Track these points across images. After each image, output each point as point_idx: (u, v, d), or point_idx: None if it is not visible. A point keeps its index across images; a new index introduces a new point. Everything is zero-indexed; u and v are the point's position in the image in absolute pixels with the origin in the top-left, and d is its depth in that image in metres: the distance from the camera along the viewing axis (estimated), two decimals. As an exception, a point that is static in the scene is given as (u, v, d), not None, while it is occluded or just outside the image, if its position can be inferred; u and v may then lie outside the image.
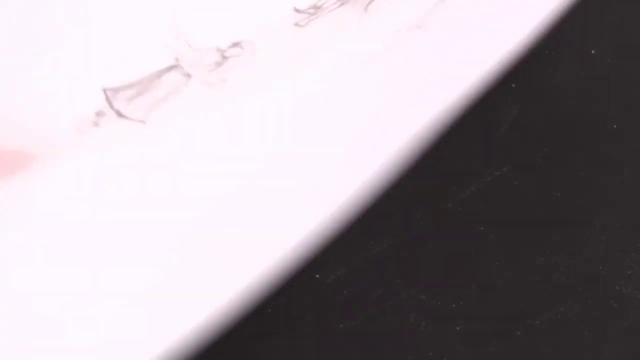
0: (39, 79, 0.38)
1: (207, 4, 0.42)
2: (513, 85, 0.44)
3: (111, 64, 0.39)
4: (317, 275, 0.38)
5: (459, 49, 0.36)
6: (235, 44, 0.40)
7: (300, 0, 0.41)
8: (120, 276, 0.30)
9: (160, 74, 0.38)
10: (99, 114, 0.37)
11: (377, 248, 0.39)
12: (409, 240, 0.39)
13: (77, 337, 0.28)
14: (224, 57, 0.39)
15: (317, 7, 0.41)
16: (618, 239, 0.39)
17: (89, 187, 0.34)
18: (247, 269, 0.28)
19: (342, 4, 0.41)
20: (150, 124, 0.37)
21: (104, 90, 0.38)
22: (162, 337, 0.27)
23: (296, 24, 0.41)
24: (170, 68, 0.39)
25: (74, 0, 0.41)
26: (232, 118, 0.37)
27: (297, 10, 0.41)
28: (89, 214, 0.32)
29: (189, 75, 0.39)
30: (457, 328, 0.37)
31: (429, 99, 0.33)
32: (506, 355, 0.36)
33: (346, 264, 0.39)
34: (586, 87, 0.45)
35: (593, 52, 0.46)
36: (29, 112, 0.37)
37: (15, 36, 0.39)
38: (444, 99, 0.32)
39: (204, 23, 0.41)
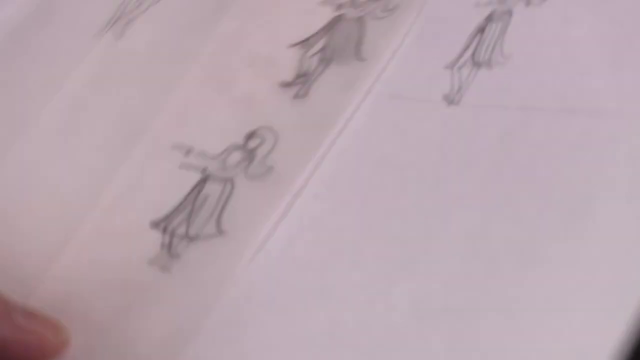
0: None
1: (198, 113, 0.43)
2: None
3: (152, 200, 0.40)
4: None
5: None
6: (251, 134, 0.41)
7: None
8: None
9: (199, 190, 0.40)
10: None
11: None
12: None
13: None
14: (249, 150, 0.41)
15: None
16: None
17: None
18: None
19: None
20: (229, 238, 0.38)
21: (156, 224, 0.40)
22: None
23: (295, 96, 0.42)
24: (204, 180, 0.40)
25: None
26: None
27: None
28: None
29: (228, 181, 0.40)
30: None
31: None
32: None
33: None
34: None
35: None
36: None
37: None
38: None
39: (207, 129, 0.42)
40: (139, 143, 0.42)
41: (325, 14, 0.45)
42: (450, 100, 0.39)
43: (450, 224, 0.35)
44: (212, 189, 0.40)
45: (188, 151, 0.41)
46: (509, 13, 0.40)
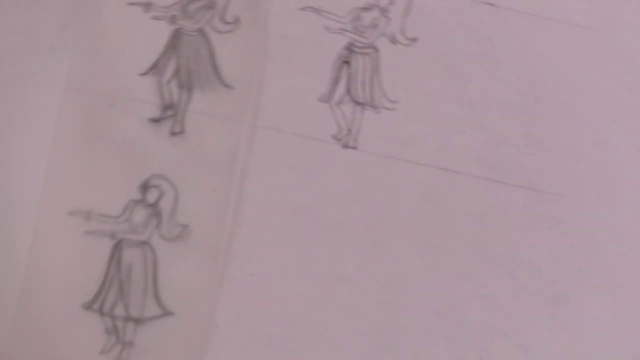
0: None
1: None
2: None
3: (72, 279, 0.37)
4: None
5: None
6: (145, 185, 0.39)
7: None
8: None
9: (118, 259, 0.38)
10: None
11: None
12: None
13: None
14: (151, 205, 0.39)
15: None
16: None
17: None
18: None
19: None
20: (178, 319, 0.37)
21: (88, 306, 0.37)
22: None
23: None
24: (119, 246, 0.38)
25: None
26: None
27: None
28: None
29: (145, 245, 0.38)
30: None
31: None
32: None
33: None
34: None
35: None
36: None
37: None
38: None
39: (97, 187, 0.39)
40: (29, 217, 0.37)
41: (162, 30, 0.42)
42: (345, 143, 0.41)
43: (373, 274, 0.39)
44: (132, 256, 0.38)
45: (88, 216, 0.38)
46: (374, 48, 0.42)
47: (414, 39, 0.43)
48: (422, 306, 0.39)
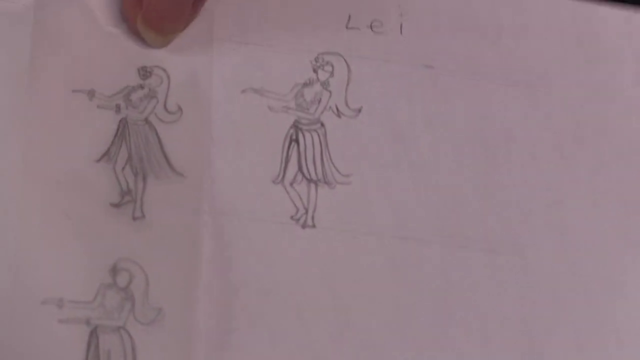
0: None
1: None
2: None
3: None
4: None
5: None
6: (114, 269, 0.38)
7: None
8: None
9: (95, 346, 0.37)
10: None
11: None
12: None
13: None
14: (123, 289, 0.38)
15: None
16: None
17: None
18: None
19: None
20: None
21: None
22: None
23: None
24: (95, 333, 0.37)
25: None
26: None
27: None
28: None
29: (122, 330, 0.37)
30: None
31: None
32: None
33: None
34: None
35: None
36: None
37: None
38: None
39: (66, 273, 0.38)
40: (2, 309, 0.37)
41: (109, 118, 0.42)
42: (304, 223, 0.41)
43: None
44: (110, 342, 0.37)
45: (60, 304, 0.37)
46: (320, 123, 0.42)
47: (358, 110, 0.43)
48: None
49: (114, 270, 0.38)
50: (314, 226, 0.41)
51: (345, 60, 0.44)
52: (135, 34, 0.42)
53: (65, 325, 0.37)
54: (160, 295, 0.38)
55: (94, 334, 0.37)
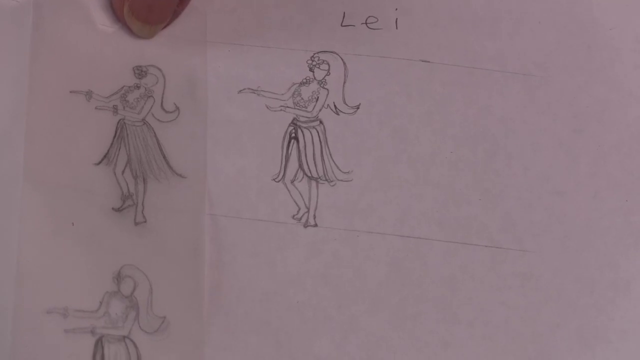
0: None
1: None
2: None
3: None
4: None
5: None
6: (118, 276, 0.38)
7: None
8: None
9: (101, 357, 0.36)
10: None
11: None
12: None
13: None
14: (127, 297, 0.38)
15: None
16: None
17: None
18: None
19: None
20: None
21: None
22: None
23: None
24: (100, 342, 0.37)
25: None
26: None
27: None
28: None
29: (127, 340, 0.37)
30: None
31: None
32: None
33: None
34: None
35: None
36: None
37: None
38: None
39: (70, 282, 0.38)
40: (7, 320, 0.36)
41: (107, 120, 0.42)
42: (306, 222, 0.40)
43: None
44: (115, 352, 0.37)
45: (65, 313, 0.37)
46: (319, 121, 0.42)
47: (356, 107, 0.43)
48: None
49: (118, 278, 0.38)
50: (315, 225, 0.41)
51: (341, 58, 0.44)
52: (123, 23, 0.42)
53: (70, 335, 0.37)
54: (164, 303, 0.38)
55: (99, 343, 0.37)
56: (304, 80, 0.43)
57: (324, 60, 0.44)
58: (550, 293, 0.41)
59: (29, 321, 0.36)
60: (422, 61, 0.44)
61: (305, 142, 0.42)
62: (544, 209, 0.42)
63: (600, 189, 0.42)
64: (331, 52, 0.44)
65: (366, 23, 0.44)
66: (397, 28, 0.44)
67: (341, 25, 0.44)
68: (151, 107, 0.42)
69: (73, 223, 0.39)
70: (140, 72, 0.43)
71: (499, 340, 0.40)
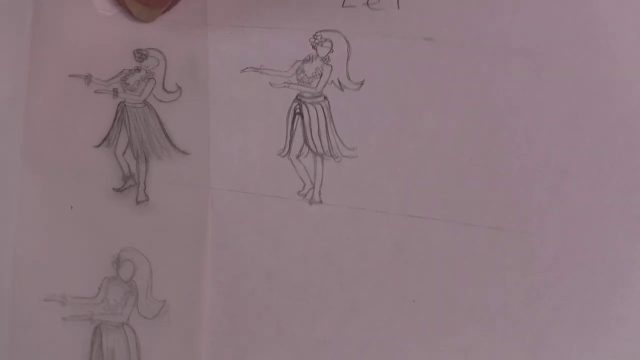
0: None
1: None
2: None
3: None
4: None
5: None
6: (117, 260, 0.38)
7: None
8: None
9: (99, 345, 0.37)
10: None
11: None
12: None
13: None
14: (126, 282, 0.38)
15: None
16: None
17: None
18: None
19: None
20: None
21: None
22: None
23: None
24: (98, 330, 0.37)
25: None
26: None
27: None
28: None
29: (126, 327, 0.37)
30: None
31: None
32: None
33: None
34: None
35: None
36: None
37: None
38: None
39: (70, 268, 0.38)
40: (4, 308, 0.35)
41: (107, 103, 0.41)
42: (311, 199, 0.40)
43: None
44: (113, 341, 0.37)
45: (63, 300, 0.37)
46: (323, 97, 0.42)
47: (361, 82, 0.43)
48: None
49: (118, 262, 0.38)
50: (320, 202, 0.40)
51: (344, 37, 0.43)
52: (123, 7, 0.42)
53: (68, 323, 0.36)
54: (164, 286, 0.38)
55: (97, 330, 0.36)
56: (307, 57, 0.43)
57: (326, 39, 0.43)
58: (551, 273, 0.40)
59: (26, 309, 0.36)
60: (426, 39, 0.44)
61: (310, 117, 0.42)
62: (547, 187, 0.41)
63: (604, 167, 0.42)
64: (334, 30, 0.44)
65: (367, 4, 0.44)
66: (398, 7, 0.44)
67: (342, 7, 0.44)
68: (152, 89, 0.42)
69: (72, 207, 0.38)
70: (140, 55, 0.42)
71: (498, 320, 0.39)
